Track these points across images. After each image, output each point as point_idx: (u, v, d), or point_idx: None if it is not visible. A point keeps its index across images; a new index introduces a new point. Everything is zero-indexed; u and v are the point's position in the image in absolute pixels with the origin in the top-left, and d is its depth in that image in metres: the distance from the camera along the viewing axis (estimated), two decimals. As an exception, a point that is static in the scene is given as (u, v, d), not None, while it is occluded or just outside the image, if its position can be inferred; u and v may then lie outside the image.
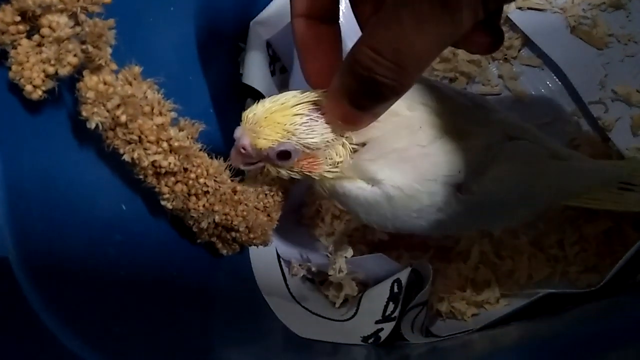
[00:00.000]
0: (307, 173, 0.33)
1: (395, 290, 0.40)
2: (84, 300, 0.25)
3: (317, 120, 0.30)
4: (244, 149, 0.31)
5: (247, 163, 0.32)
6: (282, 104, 0.30)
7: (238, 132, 0.31)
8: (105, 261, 0.28)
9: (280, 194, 0.39)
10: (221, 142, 0.33)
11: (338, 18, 0.31)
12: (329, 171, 0.32)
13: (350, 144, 0.32)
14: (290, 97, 0.31)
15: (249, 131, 0.30)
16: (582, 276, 0.41)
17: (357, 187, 0.33)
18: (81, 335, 0.23)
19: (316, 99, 0.31)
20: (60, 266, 0.25)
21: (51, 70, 0.25)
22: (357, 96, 0.26)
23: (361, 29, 0.30)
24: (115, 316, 0.26)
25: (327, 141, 0.31)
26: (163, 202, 0.31)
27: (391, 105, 0.27)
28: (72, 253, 0.26)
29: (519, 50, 0.49)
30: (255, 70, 0.48)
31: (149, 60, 0.29)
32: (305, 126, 0.30)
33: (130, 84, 0.28)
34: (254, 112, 0.30)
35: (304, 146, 0.31)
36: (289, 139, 0.30)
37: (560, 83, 0.47)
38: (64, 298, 0.24)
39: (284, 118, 0.30)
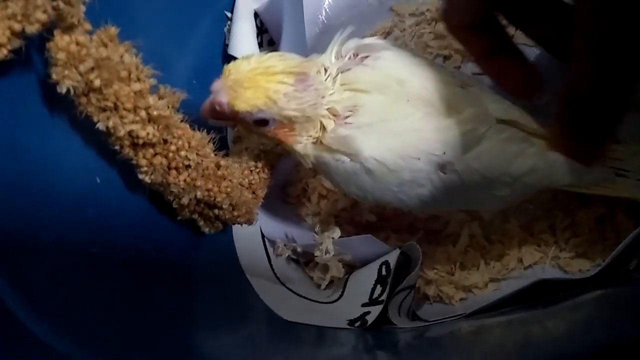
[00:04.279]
0: (279, 142, 0.32)
1: (384, 272, 0.39)
2: (50, 278, 0.23)
3: (301, 93, 0.30)
4: (219, 105, 0.29)
5: (218, 119, 0.31)
6: (268, 67, 0.29)
7: (216, 86, 0.29)
8: (76, 237, 0.26)
9: (266, 170, 0.37)
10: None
11: (509, 40, 0.35)
12: (303, 143, 0.32)
13: (332, 115, 0.31)
14: (277, 60, 0.29)
15: (228, 88, 0.29)
16: (573, 262, 0.41)
17: (335, 159, 0.32)
18: (47, 318, 0.21)
19: (304, 68, 0.30)
20: (26, 241, 0.23)
21: (17, 27, 0.23)
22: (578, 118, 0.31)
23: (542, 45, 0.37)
24: (85, 296, 0.25)
25: (308, 115, 0.30)
26: (141, 176, 0.29)
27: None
28: (40, 227, 0.24)
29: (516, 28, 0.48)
30: (242, 41, 0.47)
31: (127, 22, 0.27)
32: (288, 97, 0.29)
33: (106, 46, 0.25)
34: (238, 69, 0.29)
35: (283, 117, 0.30)
36: (269, 108, 0.29)
37: (555, 63, 0.46)
38: (29, 275, 0.22)
39: (268, 84, 0.29)
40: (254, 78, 0.29)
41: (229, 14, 0.47)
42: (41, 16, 0.23)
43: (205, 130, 0.31)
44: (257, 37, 0.49)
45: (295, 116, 0.30)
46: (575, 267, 0.40)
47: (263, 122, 0.30)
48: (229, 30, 0.47)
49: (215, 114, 0.30)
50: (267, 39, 0.49)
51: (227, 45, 0.46)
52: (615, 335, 0.23)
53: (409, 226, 0.46)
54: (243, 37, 0.47)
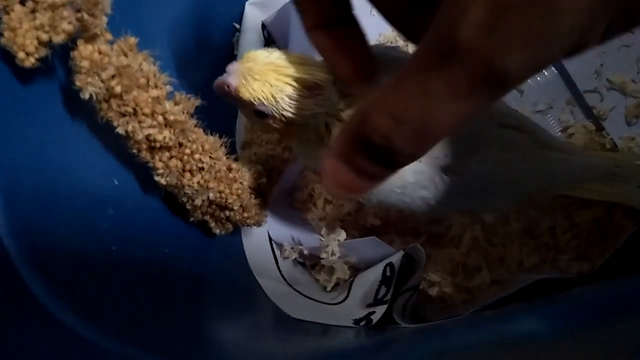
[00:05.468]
0: (278, 133, 0.32)
1: (388, 273, 0.40)
2: (75, 273, 0.25)
3: (306, 99, 0.30)
4: (227, 86, 0.30)
5: (225, 97, 0.31)
6: (282, 66, 0.29)
7: (232, 68, 0.30)
8: (97, 235, 0.27)
9: (273, 174, 0.38)
10: (216, 120, 0.33)
11: (351, 12, 0.28)
12: (300, 143, 0.32)
13: (338, 120, 0.31)
14: (295, 62, 0.30)
15: (241, 74, 0.30)
16: (573, 264, 0.41)
17: None
18: (72, 308, 0.23)
19: (319, 78, 0.30)
20: (51, 240, 0.25)
21: (45, 37, 0.24)
22: (366, 164, 0.22)
23: (390, 22, 0.26)
24: (106, 290, 0.26)
25: (306, 122, 0.31)
26: (157, 178, 0.30)
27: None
28: (64, 226, 0.26)
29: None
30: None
31: (144, 33, 0.29)
32: (291, 99, 0.30)
33: (126, 54, 0.27)
34: (256, 58, 0.30)
35: (282, 115, 0.30)
36: (270, 103, 0.30)
37: (556, 71, 0.47)
38: (56, 271, 0.24)
39: (277, 82, 0.29)
40: (266, 72, 0.29)
41: (237, 26, 0.49)
42: (67, 27, 0.24)
43: (218, 135, 0.32)
44: (265, 47, 0.50)
45: (291, 118, 0.30)
46: (574, 270, 0.41)
47: (262, 114, 0.31)
48: (237, 42, 0.49)
49: (223, 92, 0.31)
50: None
51: (236, 55, 0.48)
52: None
53: (413, 230, 0.47)
54: (250, 48, 0.48)
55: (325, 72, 0.30)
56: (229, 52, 0.48)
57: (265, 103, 0.30)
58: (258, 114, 0.31)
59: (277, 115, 0.30)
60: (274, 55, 0.30)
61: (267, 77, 0.29)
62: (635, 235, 0.37)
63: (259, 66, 0.29)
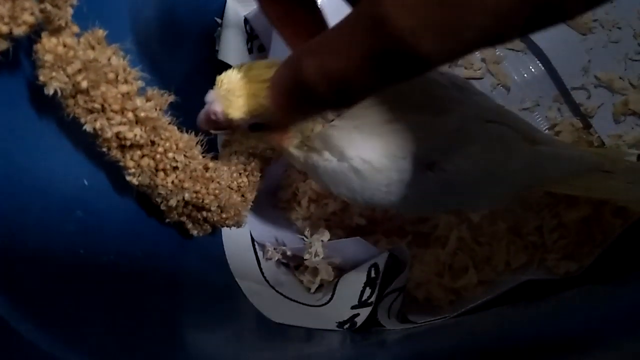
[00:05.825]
0: (277, 145, 0.32)
1: (373, 275, 0.39)
2: (36, 278, 0.23)
3: None
4: (214, 115, 0.30)
5: (215, 128, 0.31)
6: (258, 75, 0.29)
7: (210, 97, 0.30)
8: (64, 238, 0.26)
9: (255, 173, 0.37)
10: (192, 118, 0.32)
11: None
12: (298, 145, 0.32)
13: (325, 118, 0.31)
14: (266, 68, 0.29)
15: (222, 98, 0.29)
16: (561, 264, 0.41)
17: (323, 160, 0.32)
18: (32, 317, 0.21)
19: None
20: (12, 241, 0.23)
21: (4, 29, 0.23)
22: (293, 98, 0.24)
23: None
24: (72, 298, 0.25)
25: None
26: (128, 178, 0.29)
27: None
28: (26, 229, 0.24)
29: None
30: (231, 47, 0.47)
31: (114, 26, 0.27)
32: None
33: (93, 48, 0.25)
34: (230, 79, 0.29)
35: (276, 120, 0.30)
36: (261, 113, 0.29)
37: (543, 68, 0.47)
38: (16, 278, 0.22)
39: (259, 91, 0.29)
40: (245, 86, 0.29)
41: (219, 20, 0.48)
42: (28, 18, 0.23)
43: (193, 132, 0.31)
44: (247, 43, 0.49)
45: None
46: (562, 269, 0.41)
47: (258, 127, 0.31)
48: (219, 36, 0.47)
49: (211, 123, 0.30)
50: (257, 44, 0.49)
51: (217, 51, 0.46)
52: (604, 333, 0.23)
53: (399, 229, 0.46)
54: (232, 43, 0.47)
55: None
56: (211, 48, 0.46)
57: (257, 114, 0.29)
58: (254, 128, 0.31)
59: (271, 121, 0.30)
60: (244, 69, 0.30)
61: (248, 90, 0.29)
62: (623, 237, 0.36)
63: (237, 83, 0.29)
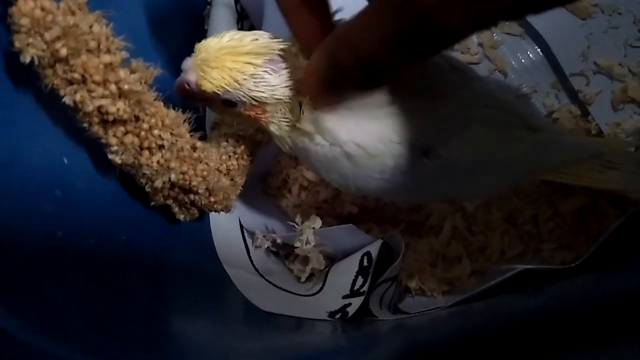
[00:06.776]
0: (253, 123, 0.31)
1: (365, 263, 0.38)
2: (9, 261, 0.21)
3: (271, 74, 0.28)
4: (188, 84, 0.28)
5: (189, 98, 0.30)
6: (237, 46, 0.28)
7: (186, 64, 0.29)
8: (40, 219, 0.24)
9: (245, 157, 0.36)
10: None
11: None
12: (278, 125, 0.31)
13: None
14: (249, 40, 0.28)
15: (197, 67, 0.28)
16: (556, 254, 0.40)
17: (314, 144, 0.31)
18: (5, 302, 0.20)
19: (278, 50, 0.28)
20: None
21: (-24, -11, 0.21)
22: (329, 84, 0.26)
23: None
24: (49, 283, 0.23)
25: (278, 98, 0.29)
26: (111, 156, 0.27)
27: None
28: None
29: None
30: (220, 26, 0.45)
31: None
32: (256, 78, 0.28)
33: (74, 13, 0.24)
34: (207, 48, 0.28)
35: (250, 98, 0.29)
36: (235, 89, 0.28)
37: (541, 53, 0.46)
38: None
39: (235, 64, 0.28)
40: (221, 57, 0.28)
41: (208, -1, 0.46)
42: (3, -22, 0.21)
43: (181, 109, 0.29)
44: (238, 23, 0.47)
45: (263, 97, 0.29)
46: (557, 259, 0.40)
47: (231, 103, 0.29)
48: (207, 15, 0.46)
49: (185, 92, 0.29)
50: (248, 25, 0.48)
51: (206, 30, 0.45)
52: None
53: (391, 218, 0.45)
54: (222, 22, 0.46)
55: (282, 42, 0.29)
56: (199, 26, 0.45)
57: (230, 89, 0.28)
58: (227, 104, 0.29)
59: (246, 99, 0.29)
60: (225, 39, 0.28)
61: (223, 62, 0.28)
62: (620, 228, 0.36)
63: (213, 54, 0.28)
